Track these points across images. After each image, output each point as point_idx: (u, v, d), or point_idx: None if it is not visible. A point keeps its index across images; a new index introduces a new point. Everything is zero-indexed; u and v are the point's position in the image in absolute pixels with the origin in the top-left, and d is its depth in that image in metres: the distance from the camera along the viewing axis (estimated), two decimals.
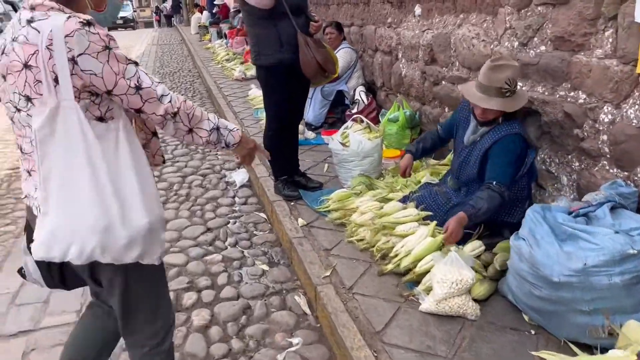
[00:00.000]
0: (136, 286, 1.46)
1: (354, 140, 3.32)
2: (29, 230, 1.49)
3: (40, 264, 1.47)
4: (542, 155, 2.65)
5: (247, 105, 6.22)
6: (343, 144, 3.39)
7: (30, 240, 1.43)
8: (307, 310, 2.45)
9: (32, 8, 1.27)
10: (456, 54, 3.34)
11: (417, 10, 3.90)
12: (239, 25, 10.64)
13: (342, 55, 4.62)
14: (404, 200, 2.84)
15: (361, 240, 2.69)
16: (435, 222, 2.45)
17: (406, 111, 3.87)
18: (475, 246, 2.35)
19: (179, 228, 3.35)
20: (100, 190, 1.28)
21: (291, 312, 2.45)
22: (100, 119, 1.31)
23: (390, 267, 2.40)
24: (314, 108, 4.74)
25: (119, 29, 29.48)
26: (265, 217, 3.47)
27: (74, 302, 2.53)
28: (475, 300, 2.14)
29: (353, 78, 4.76)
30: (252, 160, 1.68)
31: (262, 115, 5.53)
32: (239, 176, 4.16)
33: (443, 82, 3.57)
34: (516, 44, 2.73)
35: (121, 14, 31.00)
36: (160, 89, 1.39)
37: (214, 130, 1.47)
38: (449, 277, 2.08)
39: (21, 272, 1.58)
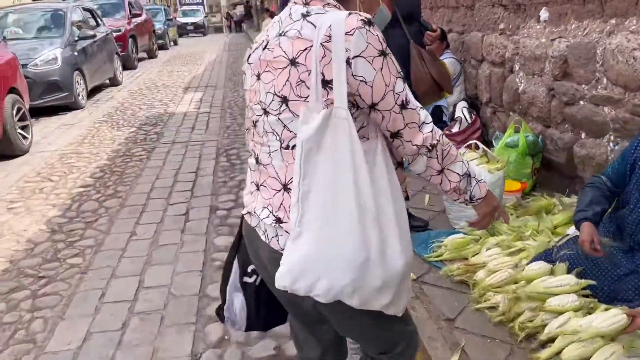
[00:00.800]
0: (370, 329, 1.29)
1: None
2: (242, 258, 1.38)
3: (250, 301, 1.39)
4: None
5: None
6: None
7: (244, 272, 1.38)
8: None
9: (306, 2, 1.15)
10: (604, 69, 2.68)
11: (544, 14, 3.26)
12: None
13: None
14: (546, 255, 2.23)
15: (493, 307, 2.11)
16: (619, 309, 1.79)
17: (528, 135, 3.23)
18: None
19: None
20: (362, 217, 1.09)
21: None
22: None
23: (544, 356, 1.80)
24: None
25: (190, 35, 29.65)
26: None
27: None
28: None
29: (455, 92, 4.16)
30: (491, 222, 1.34)
31: None
32: None
33: (582, 102, 2.91)
34: None
35: (192, 19, 31.11)
36: (423, 114, 1.15)
37: (466, 177, 1.21)
38: None
39: (219, 312, 1.47)
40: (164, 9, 19.46)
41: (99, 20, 9.98)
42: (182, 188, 4.23)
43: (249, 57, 1.27)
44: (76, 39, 8.06)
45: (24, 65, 6.57)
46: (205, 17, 33.65)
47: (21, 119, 5.45)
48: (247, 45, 18.42)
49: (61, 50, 7.46)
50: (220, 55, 15.60)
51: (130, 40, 12.29)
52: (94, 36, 8.59)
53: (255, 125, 1.24)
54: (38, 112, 7.16)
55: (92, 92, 8.75)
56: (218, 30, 49.73)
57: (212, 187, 4.24)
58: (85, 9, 9.48)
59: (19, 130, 5.35)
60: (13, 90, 5.39)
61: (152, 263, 3.00)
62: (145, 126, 6.50)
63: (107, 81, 9.75)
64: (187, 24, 30.14)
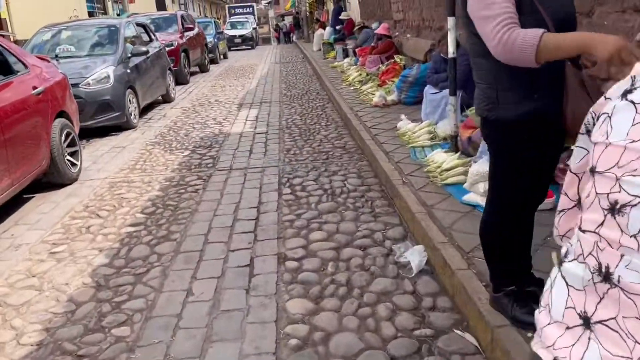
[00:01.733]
0: None
1: None
2: None
3: None
4: None
5: (397, 141, 5.10)
6: None
7: None
8: None
9: None
10: None
11: None
12: (374, 41, 9.61)
13: None
14: None
15: None
16: None
17: None
18: None
19: (348, 355, 2.27)
20: None
21: None
22: None
23: None
24: None
25: (239, 48, 28.58)
26: (478, 347, 2.27)
27: None
28: None
29: None
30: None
31: (423, 157, 4.44)
32: (415, 256, 3.02)
33: None
34: None
35: (240, 31, 29.77)
36: None
37: None
38: None
39: None
40: (214, 22, 19.35)
41: (152, 35, 9.72)
42: (244, 229, 3.68)
43: (630, 91, 0.85)
44: (129, 55, 7.76)
45: (76, 85, 6.27)
46: (255, 29, 32.81)
47: (70, 144, 5.08)
48: (298, 57, 18.03)
49: (114, 68, 7.15)
50: (272, 68, 15.23)
51: (182, 54, 12.06)
52: (146, 52, 8.28)
53: (619, 213, 0.83)
54: (89, 133, 6.85)
55: (144, 110, 8.44)
56: (266, 41, 50.23)
57: (278, 227, 3.66)
58: (138, 24, 9.23)
59: (68, 157, 4.97)
60: (62, 114, 5.02)
61: (213, 339, 2.43)
62: (199, 149, 6.05)
63: (160, 98, 9.47)
64: (235, 36, 28.62)
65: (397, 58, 8.81)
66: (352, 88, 8.77)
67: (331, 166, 4.98)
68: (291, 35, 38.29)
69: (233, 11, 45.21)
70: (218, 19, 38.41)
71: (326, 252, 3.23)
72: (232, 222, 3.80)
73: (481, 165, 3.35)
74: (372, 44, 9.58)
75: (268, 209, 4.03)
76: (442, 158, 4.04)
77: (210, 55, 17.16)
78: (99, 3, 18.60)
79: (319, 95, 9.34)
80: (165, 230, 3.73)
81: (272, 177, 4.81)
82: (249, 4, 45.84)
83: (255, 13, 46.87)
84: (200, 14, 50.86)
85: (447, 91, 5.04)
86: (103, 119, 6.82)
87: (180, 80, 12.01)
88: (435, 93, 5.21)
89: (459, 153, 4.12)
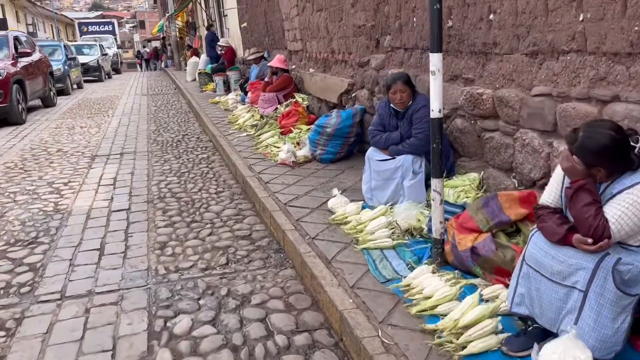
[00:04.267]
0: None
1: None
2: None
3: None
4: None
5: (334, 233, 3.36)
6: None
7: None
8: None
9: None
10: None
11: None
12: (268, 77, 7.88)
13: None
14: None
15: None
16: None
17: None
18: None
19: None
20: None
21: None
22: None
23: None
24: None
25: (86, 78, 20.17)
26: None
27: None
28: None
29: None
30: None
31: (391, 274, 2.77)
32: None
33: None
34: None
35: (85, 58, 20.77)
36: None
37: None
38: None
39: None
40: (64, 46, 16.24)
41: None
42: None
43: None
44: None
45: None
46: (104, 55, 24.09)
47: None
48: (169, 88, 15.62)
49: None
50: (139, 102, 12.80)
51: (15, 86, 9.29)
52: None
53: None
54: None
55: None
56: (132, 66, 46.26)
57: None
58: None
59: None
60: None
61: None
62: (14, 248, 3.76)
63: None
64: (83, 64, 20.09)
65: (299, 97, 7.17)
66: (244, 134, 6.92)
67: (237, 284, 3.09)
68: (154, 61, 35.25)
69: (85, 29, 38.16)
70: (75, 41, 33.69)
71: None
72: None
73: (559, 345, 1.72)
74: (266, 79, 7.85)
75: None
76: (441, 292, 2.37)
77: (60, 85, 14.23)
78: None
79: (201, 142, 7.34)
80: None
81: (135, 315, 2.78)
82: (106, 20, 39.10)
83: (117, 32, 39.18)
84: (53, 37, 45.38)
85: (402, 158, 3.45)
86: None
87: (12, 120, 9.24)
88: (385, 160, 3.58)
89: (460, 285, 2.48)
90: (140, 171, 5.84)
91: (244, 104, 8.96)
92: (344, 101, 5.78)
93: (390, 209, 3.34)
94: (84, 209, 4.58)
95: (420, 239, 3.13)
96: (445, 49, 3.75)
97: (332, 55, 6.28)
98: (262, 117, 7.36)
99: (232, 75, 11.62)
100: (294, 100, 7.15)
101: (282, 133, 6.32)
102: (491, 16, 3.18)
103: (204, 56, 15.53)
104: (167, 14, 28.11)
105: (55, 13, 49.26)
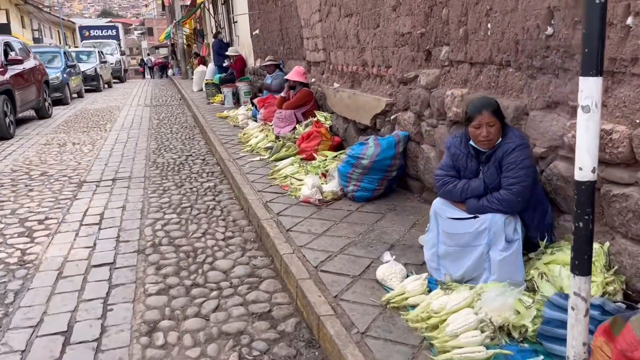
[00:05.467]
0: None
1: None
2: None
3: None
4: None
5: (406, 336, 2.34)
6: None
7: None
8: None
9: None
10: None
11: None
12: (285, 91, 6.91)
13: None
14: None
15: None
16: None
17: None
18: None
19: None
20: None
21: None
22: None
23: None
24: None
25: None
26: None
27: None
28: None
29: None
30: None
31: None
32: None
33: None
34: None
35: (85, 66, 18.79)
36: None
37: None
38: None
39: None
40: (64, 52, 15.35)
41: None
42: None
43: None
44: None
45: None
46: (103, 62, 21.55)
47: None
48: (174, 98, 14.65)
49: None
50: (140, 114, 11.88)
51: (1, 97, 8.38)
52: None
53: None
54: None
55: None
56: (138, 73, 45.59)
57: None
58: None
59: None
60: None
61: None
62: None
63: None
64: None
65: (320, 116, 6.20)
66: (257, 158, 5.94)
67: None
68: (158, 69, 34.63)
69: (87, 33, 35.94)
70: (76, 47, 32.57)
71: None
72: None
73: None
74: (282, 95, 6.87)
75: None
76: None
77: (58, 94, 13.35)
78: None
79: (207, 166, 6.37)
80: None
81: None
82: (110, 23, 37.04)
83: (122, 37, 36.28)
84: (59, 43, 44.68)
85: (489, 219, 2.45)
86: None
87: None
88: (462, 219, 2.57)
89: None
90: (133, 205, 4.87)
91: (255, 121, 8.01)
92: (379, 124, 4.79)
93: (478, 295, 2.32)
94: (57, 261, 3.60)
95: (525, 345, 2.13)
96: (539, 65, 2.76)
97: (364, 68, 5.31)
98: (277, 137, 6.39)
99: (242, 86, 10.69)
100: (315, 119, 6.18)
101: (302, 159, 5.34)
102: (629, 19, 2.19)
103: (211, 65, 14.63)
104: (174, 21, 27.37)
105: (62, 19, 48.76)
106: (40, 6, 47.66)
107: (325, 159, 5.08)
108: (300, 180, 4.64)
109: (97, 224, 4.37)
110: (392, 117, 4.52)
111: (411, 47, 4.18)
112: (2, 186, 5.66)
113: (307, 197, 4.24)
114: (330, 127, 6.06)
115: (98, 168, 6.41)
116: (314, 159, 5.35)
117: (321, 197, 4.22)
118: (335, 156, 5.08)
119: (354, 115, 5.32)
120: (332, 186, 4.35)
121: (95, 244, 3.91)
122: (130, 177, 5.91)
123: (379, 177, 4.10)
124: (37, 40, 35.35)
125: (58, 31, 48.57)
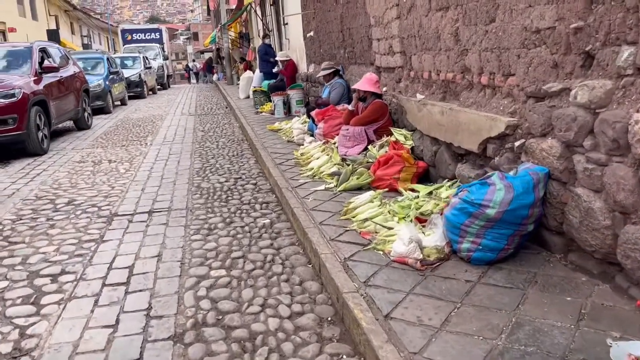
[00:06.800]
0: None
1: None
2: None
3: None
4: None
5: None
6: None
7: None
8: None
9: None
10: None
11: None
12: (353, 104, 5.77)
13: None
14: None
15: None
16: None
17: None
18: None
19: None
20: None
21: None
22: None
23: None
24: None
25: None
26: None
27: None
28: None
29: None
30: None
31: None
32: None
33: None
34: None
35: (129, 72, 17.96)
36: None
37: None
38: None
39: None
40: (107, 59, 14.72)
41: None
42: None
43: None
44: None
45: None
46: (148, 68, 20.67)
47: None
48: (220, 106, 13.42)
49: None
50: (184, 124, 11.01)
51: (33, 109, 7.60)
52: None
53: None
54: None
55: None
56: (184, 78, 45.63)
57: None
58: None
59: None
60: None
61: None
62: None
63: None
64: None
65: (398, 134, 5.02)
66: (322, 187, 4.81)
67: None
68: (205, 74, 34.46)
69: (129, 37, 34.77)
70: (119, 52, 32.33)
71: None
72: None
73: None
74: (350, 108, 5.73)
75: None
76: None
77: (100, 103, 12.71)
78: None
79: (260, 193, 5.29)
80: None
81: None
82: (153, 26, 36.03)
83: (166, 41, 33.89)
84: (108, 49, 45.15)
85: None
86: None
87: (30, 150, 7.55)
88: None
89: None
90: (172, 253, 3.83)
91: (312, 135, 6.91)
92: (493, 151, 3.58)
93: None
94: (63, 354, 2.57)
95: None
96: None
97: (464, 75, 4.10)
98: (344, 160, 5.25)
99: (294, 95, 9.65)
100: (392, 138, 5.02)
101: (376, 187, 4.17)
102: None
103: (257, 72, 13.69)
104: (219, 25, 26.80)
105: (111, 25, 49.47)
106: (92, 13, 48.45)
107: (417, 195, 3.90)
108: (389, 228, 3.47)
109: (124, 283, 3.35)
110: (517, 144, 3.29)
111: (553, 48, 2.95)
112: (20, 220, 4.76)
113: (402, 256, 3.08)
114: (412, 148, 4.88)
115: (133, 195, 5.45)
116: (394, 190, 4.18)
117: (422, 257, 3.05)
118: (431, 192, 3.89)
119: (450, 137, 4.12)
120: (435, 240, 3.17)
121: (118, 321, 2.87)
122: (170, 209, 4.90)
123: (509, 232, 2.89)
124: (85, 47, 35.68)
125: (107, 37, 49.29)
